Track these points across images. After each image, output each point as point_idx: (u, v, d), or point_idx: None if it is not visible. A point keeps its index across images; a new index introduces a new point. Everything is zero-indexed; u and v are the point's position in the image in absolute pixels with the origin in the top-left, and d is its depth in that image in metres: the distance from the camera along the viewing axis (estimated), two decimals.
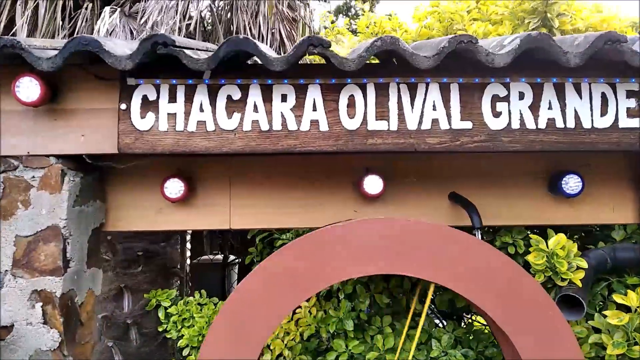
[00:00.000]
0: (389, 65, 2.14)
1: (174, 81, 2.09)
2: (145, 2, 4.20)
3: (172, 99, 2.10)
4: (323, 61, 2.04)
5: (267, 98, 2.11)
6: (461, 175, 2.59)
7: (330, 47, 1.88)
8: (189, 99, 2.10)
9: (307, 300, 3.24)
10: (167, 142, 2.09)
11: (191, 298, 3.55)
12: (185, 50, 1.91)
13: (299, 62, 2.04)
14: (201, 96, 2.10)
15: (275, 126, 2.10)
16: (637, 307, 2.23)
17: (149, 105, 2.11)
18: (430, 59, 1.90)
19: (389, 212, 2.60)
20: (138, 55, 1.90)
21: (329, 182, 2.59)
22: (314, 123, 2.12)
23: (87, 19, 4.27)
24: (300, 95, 2.12)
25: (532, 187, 2.60)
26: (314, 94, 2.12)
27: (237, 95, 2.11)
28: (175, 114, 2.10)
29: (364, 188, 2.47)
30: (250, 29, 4.75)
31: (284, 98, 2.11)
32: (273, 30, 4.81)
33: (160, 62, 2.04)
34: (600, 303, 2.70)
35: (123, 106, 2.10)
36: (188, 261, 6.05)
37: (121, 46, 2.08)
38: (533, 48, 1.91)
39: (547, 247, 2.39)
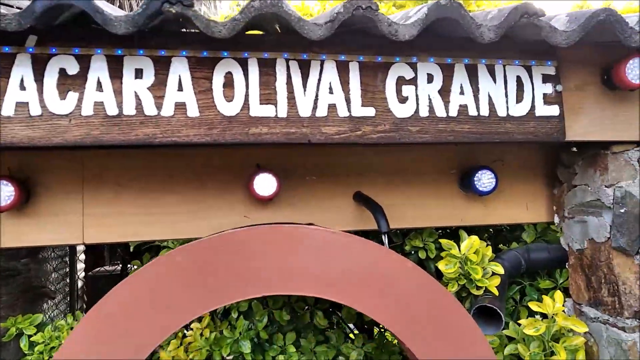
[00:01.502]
0: (276, 38, 1.74)
1: None
2: None
3: None
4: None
5: (116, 73, 1.61)
6: (367, 172, 2.27)
7: (194, 7, 1.44)
8: (4, 74, 1.55)
9: (199, 321, 2.78)
10: None
11: (63, 322, 2.93)
12: None
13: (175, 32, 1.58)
14: (22, 69, 1.56)
15: (127, 110, 1.62)
16: (554, 313, 2.02)
17: None
18: (322, 27, 1.53)
19: (285, 217, 2.21)
20: None
21: (213, 182, 2.15)
22: (180, 107, 1.66)
23: None
24: (161, 70, 1.65)
25: (442, 184, 2.33)
26: (180, 69, 1.66)
27: (73, 68, 1.59)
28: None
29: (254, 189, 2.06)
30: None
31: (139, 74, 1.63)
32: None
33: None
34: (512, 307, 2.51)
35: None
36: (82, 274, 5.30)
37: None
38: (442, 19, 1.61)
39: (460, 251, 2.13)
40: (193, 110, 1.66)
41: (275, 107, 1.72)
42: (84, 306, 5.15)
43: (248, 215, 2.18)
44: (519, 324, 2.13)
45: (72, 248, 4.82)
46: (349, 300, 1.65)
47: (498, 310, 1.92)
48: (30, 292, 3.53)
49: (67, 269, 4.92)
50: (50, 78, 1.57)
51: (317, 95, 1.75)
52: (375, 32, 1.62)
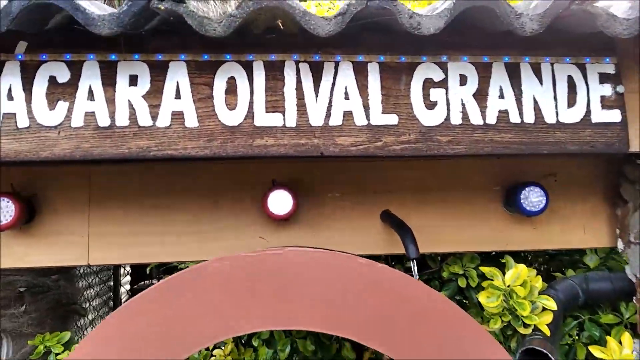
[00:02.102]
0: (285, 38, 1.56)
1: None
2: None
3: None
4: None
5: (109, 81, 1.48)
6: (397, 188, 2.03)
7: (185, 2, 1.28)
8: None
9: (222, 347, 2.61)
10: None
11: None
12: None
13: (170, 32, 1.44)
14: (10, 78, 1.45)
15: (120, 120, 1.47)
16: None
17: None
18: (330, 22, 1.33)
19: (305, 239, 2.00)
20: None
21: (227, 199, 1.98)
22: (177, 116, 1.50)
23: None
24: (157, 76, 1.50)
25: (484, 203, 2.05)
26: (178, 74, 1.50)
27: (64, 76, 1.47)
28: None
29: (268, 207, 1.87)
30: None
31: (133, 81, 1.49)
32: None
33: None
34: (568, 345, 2.16)
35: None
36: (126, 288, 5.30)
37: None
38: (474, 8, 1.37)
39: (503, 282, 1.84)
40: (191, 120, 1.50)
41: (283, 115, 1.52)
42: None
43: (265, 236, 1.99)
44: None
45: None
46: (364, 339, 1.41)
47: (549, 355, 1.62)
48: (60, 309, 3.49)
49: (111, 284, 4.91)
50: (40, 87, 1.45)
51: (330, 102, 1.54)
52: (395, 27, 1.41)
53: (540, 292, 1.88)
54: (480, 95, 1.59)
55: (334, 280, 1.44)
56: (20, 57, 1.45)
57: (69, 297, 3.61)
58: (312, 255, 1.49)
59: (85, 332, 4.00)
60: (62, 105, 1.46)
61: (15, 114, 1.45)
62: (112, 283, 4.97)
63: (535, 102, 1.61)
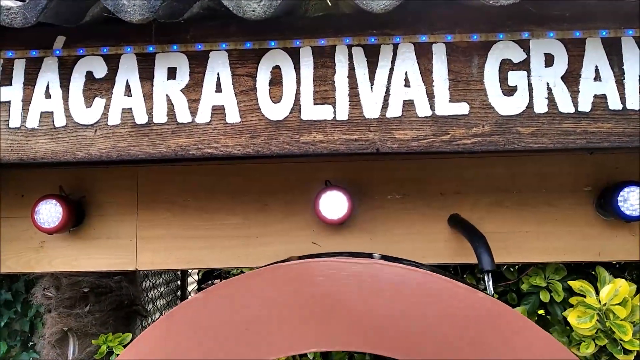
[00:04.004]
0: (337, 19, 1.38)
1: (11, 53, 1.39)
2: None
3: (6, 80, 1.39)
4: None
5: (147, 74, 1.37)
6: (468, 189, 1.79)
7: None
8: (30, 80, 1.39)
9: None
10: None
11: None
12: None
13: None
14: (49, 75, 1.38)
15: (158, 117, 1.36)
16: None
17: None
18: None
19: (362, 244, 1.82)
20: None
21: (278, 202, 1.83)
22: (218, 111, 1.36)
23: None
24: (197, 68, 1.37)
25: (572, 206, 1.76)
26: (219, 65, 1.36)
27: (101, 71, 1.38)
28: (9, 102, 1.39)
29: (319, 210, 1.70)
30: None
31: (172, 74, 1.37)
32: None
33: None
34: None
35: None
36: (193, 287, 5.36)
37: None
38: None
39: (598, 299, 1.56)
40: (233, 115, 1.35)
41: (334, 107, 1.34)
42: None
43: (317, 241, 1.82)
44: None
45: None
46: None
47: None
48: (122, 310, 3.53)
49: (177, 283, 4.97)
50: (77, 83, 1.38)
51: (388, 90, 1.34)
52: (470, 5, 1.18)
53: None
54: (571, 78, 1.33)
55: (397, 296, 1.25)
56: (58, 52, 1.38)
57: (131, 298, 3.64)
58: (371, 266, 1.30)
59: None
60: (99, 102, 1.37)
61: (52, 113, 1.38)
62: (178, 282, 5.02)
63: None
